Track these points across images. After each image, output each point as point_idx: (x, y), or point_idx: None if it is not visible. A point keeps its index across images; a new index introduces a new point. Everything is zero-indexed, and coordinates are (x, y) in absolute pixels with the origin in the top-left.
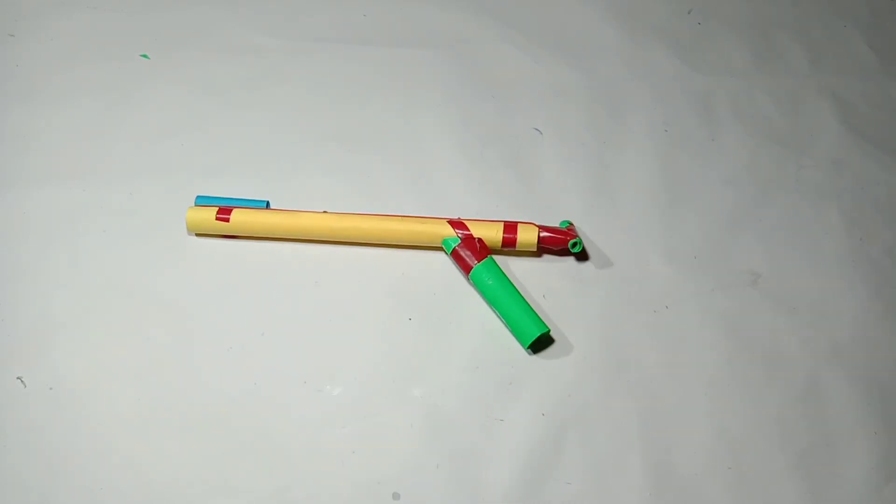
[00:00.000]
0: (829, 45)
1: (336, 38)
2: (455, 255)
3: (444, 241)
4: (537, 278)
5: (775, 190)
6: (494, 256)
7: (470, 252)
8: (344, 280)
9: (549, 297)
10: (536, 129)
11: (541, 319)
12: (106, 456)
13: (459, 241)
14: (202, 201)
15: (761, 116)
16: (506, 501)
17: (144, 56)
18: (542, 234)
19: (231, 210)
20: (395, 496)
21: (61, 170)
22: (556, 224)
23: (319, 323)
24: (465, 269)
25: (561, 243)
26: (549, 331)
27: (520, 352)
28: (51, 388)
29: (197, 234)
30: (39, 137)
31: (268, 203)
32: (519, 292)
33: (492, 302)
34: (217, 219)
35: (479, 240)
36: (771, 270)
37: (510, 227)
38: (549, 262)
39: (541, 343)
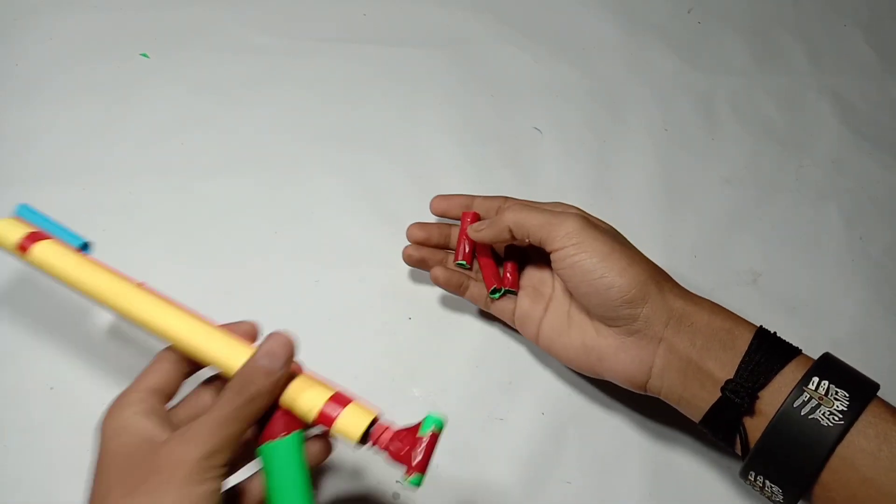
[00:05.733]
0: (829, 44)
1: (336, 38)
2: None
3: None
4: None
5: (775, 190)
6: None
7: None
8: (344, 279)
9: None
10: (536, 129)
11: None
12: None
13: None
14: (24, 213)
15: (761, 116)
16: (506, 501)
17: (144, 55)
18: (374, 434)
19: (38, 240)
20: (395, 496)
21: (61, 170)
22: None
23: (319, 322)
24: (259, 438)
25: (399, 460)
26: None
27: (520, 351)
28: (51, 388)
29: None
30: (39, 137)
31: (86, 245)
32: (311, 499)
33: (272, 497)
34: (19, 245)
35: (282, 409)
36: (770, 269)
37: (336, 403)
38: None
39: None
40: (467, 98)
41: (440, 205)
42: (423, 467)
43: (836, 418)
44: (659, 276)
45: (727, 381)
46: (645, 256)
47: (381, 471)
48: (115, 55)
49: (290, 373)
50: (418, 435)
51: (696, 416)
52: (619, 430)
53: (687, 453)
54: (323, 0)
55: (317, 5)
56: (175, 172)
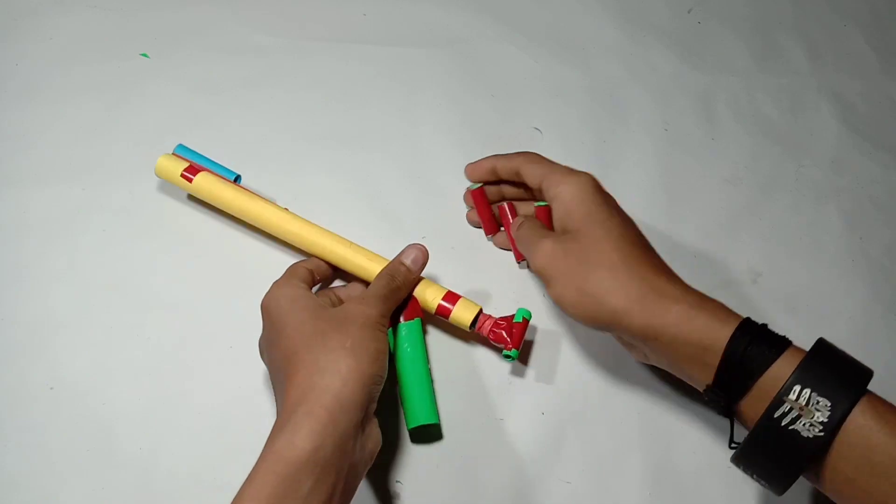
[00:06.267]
0: (829, 44)
1: (336, 38)
2: None
3: None
4: (537, 277)
5: (775, 190)
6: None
7: (399, 307)
8: (343, 278)
9: (549, 297)
10: (536, 129)
11: (436, 408)
12: (106, 456)
13: None
14: (182, 151)
15: (761, 116)
16: (506, 501)
17: (144, 55)
18: (480, 322)
19: (197, 172)
20: (395, 496)
21: (61, 170)
22: (513, 311)
23: None
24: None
25: (498, 341)
26: (438, 423)
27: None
28: (51, 388)
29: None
30: (39, 137)
31: (238, 177)
32: (429, 371)
33: (400, 367)
34: (182, 175)
35: (413, 298)
36: (771, 270)
37: (450, 298)
38: None
39: (424, 432)
40: (467, 98)
41: (472, 173)
42: (517, 344)
43: (817, 429)
44: (623, 299)
45: (706, 387)
46: (615, 274)
47: (381, 471)
48: (115, 55)
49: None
50: (514, 322)
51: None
52: (619, 430)
53: (687, 453)
54: (323, 0)
55: (317, 5)
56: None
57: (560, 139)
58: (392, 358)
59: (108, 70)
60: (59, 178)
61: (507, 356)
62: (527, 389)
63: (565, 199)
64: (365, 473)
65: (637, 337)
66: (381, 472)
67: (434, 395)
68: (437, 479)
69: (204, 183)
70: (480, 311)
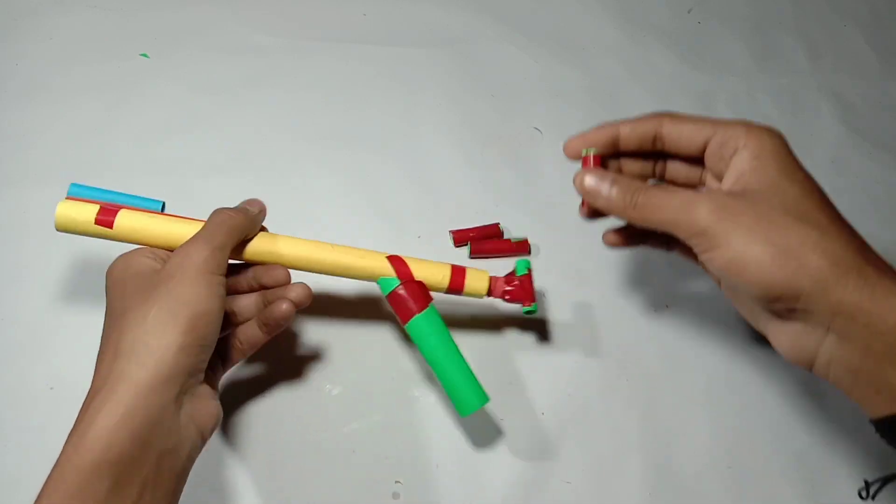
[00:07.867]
0: (829, 44)
1: (336, 38)
2: (392, 299)
3: (381, 281)
4: (537, 277)
5: None
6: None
7: (410, 296)
8: (342, 279)
9: (549, 296)
10: (536, 129)
11: (482, 388)
12: None
13: (399, 283)
14: (78, 191)
15: (761, 116)
16: (506, 501)
17: (144, 55)
18: (492, 287)
19: (115, 212)
20: (395, 496)
21: (61, 170)
22: (512, 266)
23: (318, 322)
24: (403, 316)
25: (516, 298)
26: (488, 401)
27: (519, 352)
28: (51, 388)
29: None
30: (39, 137)
31: (163, 205)
32: (459, 351)
33: (429, 358)
34: (97, 222)
35: (421, 283)
36: None
37: (458, 272)
38: (549, 262)
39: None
40: (467, 98)
41: (582, 144)
42: (532, 298)
43: None
44: (831, 262)
45: None
46: (823, 230)
47: (381, 472)
48: (115, 55)
49: (401, 259)
50: (517, 275)
51: (868, 414)
52: (619, 430)
53: (687, 453)
54: (323, 0)
55: (317, 5)
56: (175, 172)
57: (560, 139)
58: (422, 352)
59: (108, 70)
60: (60, 178)
61: (527, 312)
62: (527, 389)
63: (757, 152)
64: (197, 455)
65: (842, 313)
66: (381, 472)
67: (474, 376)
68: (437, 479)
69: (129, 222)
70: (489, 276)
